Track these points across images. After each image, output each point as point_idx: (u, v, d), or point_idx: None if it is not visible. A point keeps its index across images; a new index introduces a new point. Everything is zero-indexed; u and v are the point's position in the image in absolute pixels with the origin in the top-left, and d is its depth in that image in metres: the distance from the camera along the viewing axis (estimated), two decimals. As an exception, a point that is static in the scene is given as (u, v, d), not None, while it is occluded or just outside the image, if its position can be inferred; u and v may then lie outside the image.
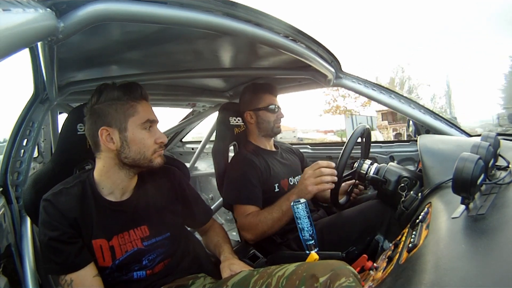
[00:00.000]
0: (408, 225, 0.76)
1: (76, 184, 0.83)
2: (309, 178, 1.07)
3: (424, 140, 1.16)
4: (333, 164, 1.08)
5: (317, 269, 0.68)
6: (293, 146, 1.60)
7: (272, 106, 1.35)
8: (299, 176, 1.39)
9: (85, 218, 0.80)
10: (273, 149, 1.42)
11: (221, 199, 1.35)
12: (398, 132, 14.13)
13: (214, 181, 2.41)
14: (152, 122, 0.85)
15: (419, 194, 0.88)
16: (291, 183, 1.33)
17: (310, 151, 1.96)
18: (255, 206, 1.20)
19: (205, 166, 2.60)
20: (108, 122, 0.81)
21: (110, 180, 0.85)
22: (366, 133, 1.26)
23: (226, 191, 1.28)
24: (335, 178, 1.06)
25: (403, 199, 0.93)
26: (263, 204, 1.19)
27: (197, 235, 1.17)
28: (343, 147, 1.11)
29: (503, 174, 0.69)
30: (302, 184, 1.08)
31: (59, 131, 1.02)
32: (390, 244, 0.79)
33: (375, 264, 0.77)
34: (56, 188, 0.82)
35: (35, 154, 1.56)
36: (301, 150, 1.63)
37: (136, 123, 0.82)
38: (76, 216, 0.79)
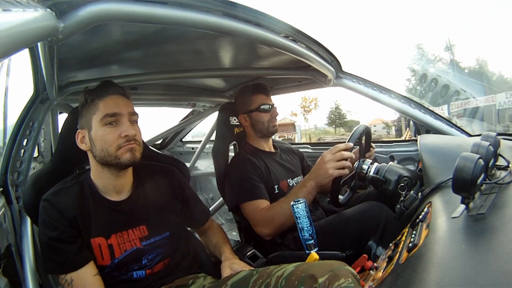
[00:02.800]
0: (408, 225, 0.76)
1: (74, 183, 0.84)
2: (329, 162, 1.04)
3: (425, 139, 1.16)
4: (351, 145, 1.06)
5: (316, 270, 0.68)
6: (293, 146, 1.60)
7: (264, 106, 1.33)
8: (298, 177, 1.39)
9: (84, 217, 0.81)
10: (272, 150, 1.42)
11: (221, 198, 1.36)
12: (285, 138, 19.89)
13: (214, 181, 2.41)
14: (114, 115, 0.80)
15: (419, 193, 0.88)
16: (290, 185, 1.32)
17: (310, 151, 1.96)
18: (264, 199, 1.18)
19: (205, 166, 2.60)
20: (81, 124, 0.84)
21: (101, 180, 0.85)
22: (366, 133, 1.25)
23: (230, 193, 1.26)
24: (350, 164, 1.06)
25: (402, 198, 0.93)
26: None
27: (197, 235, 1.17)
28: None
29: (503, 173, 0.69)
30: (322, 168, 1.05)
31: (59, 131, 1.02)
32: (384, 250, 0.79)
33: (375, 264, 0.77)
34: (55, 188, 0.83)
35: (35, 154, 1.56)
36: (301, 150, 1.63)
37: (96, 121, 0.81)
38: (75, 215, 0.79)
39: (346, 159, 1.04)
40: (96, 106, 0.81)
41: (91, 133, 0.81)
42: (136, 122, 0.86)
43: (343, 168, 1.04)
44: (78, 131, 0.84)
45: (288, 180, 1.33)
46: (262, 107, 1.33)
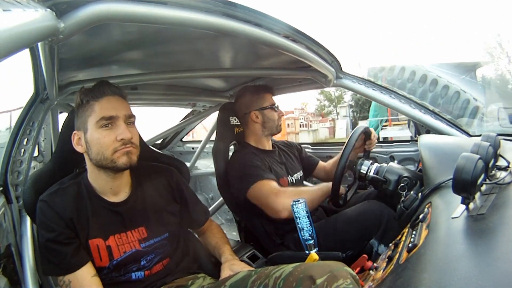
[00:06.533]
0: (408, 225, 0.76)
1: (71, 184, 0.84)
2: None
3: (425, 140, 1.16)
4: None
5: (314, 271, 0.68)
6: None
7: (275, 105, 1.38)
8: (298, 173, 1.41)
9: (81, 218, 0.80)
10: (271, 148, 1.43)
11: (221, 198, 1.35)
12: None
13: (214, 181, 2.41)
14: (110, 119, 0.79)
15: (419, 194, 0.88)
16: (290, 181, 1.33)
17: (310, 150, 1.96)
18: (274, 180, 1.18)
19: (205, 166, 2.60)
20: (77, 126, 0.83)
21: (97, 181, 0.85)
22: (366, 133, 1.26)
23: (235, 184, 1.25)
24: None
25: (403, 198, 0.93)
26: None
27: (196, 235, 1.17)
28: (343, 147, 1.11)
29: (503, 174, 0.69)
30: None
31: (59, 130, 1.02)
32: (385, 248, 0.80)
33: (375, 264, 0.77)
34: (52, 188, 0.83)
35: (35, 153, 1.56)
36: None
37: (92, 123, 0.79)
38: (72, 216, 0.79)
39: None
40: (92, 108, 0.80)
41: (86, 135, 0.80)
42: (133, 123, 0.85)
43: None
44: (74, 132, 0.83)
45: (288, 177, 1.34)
46: (273, 106, 1.37)
